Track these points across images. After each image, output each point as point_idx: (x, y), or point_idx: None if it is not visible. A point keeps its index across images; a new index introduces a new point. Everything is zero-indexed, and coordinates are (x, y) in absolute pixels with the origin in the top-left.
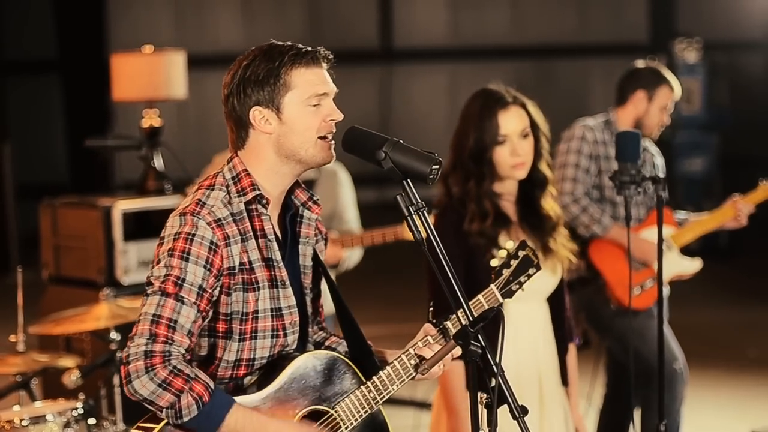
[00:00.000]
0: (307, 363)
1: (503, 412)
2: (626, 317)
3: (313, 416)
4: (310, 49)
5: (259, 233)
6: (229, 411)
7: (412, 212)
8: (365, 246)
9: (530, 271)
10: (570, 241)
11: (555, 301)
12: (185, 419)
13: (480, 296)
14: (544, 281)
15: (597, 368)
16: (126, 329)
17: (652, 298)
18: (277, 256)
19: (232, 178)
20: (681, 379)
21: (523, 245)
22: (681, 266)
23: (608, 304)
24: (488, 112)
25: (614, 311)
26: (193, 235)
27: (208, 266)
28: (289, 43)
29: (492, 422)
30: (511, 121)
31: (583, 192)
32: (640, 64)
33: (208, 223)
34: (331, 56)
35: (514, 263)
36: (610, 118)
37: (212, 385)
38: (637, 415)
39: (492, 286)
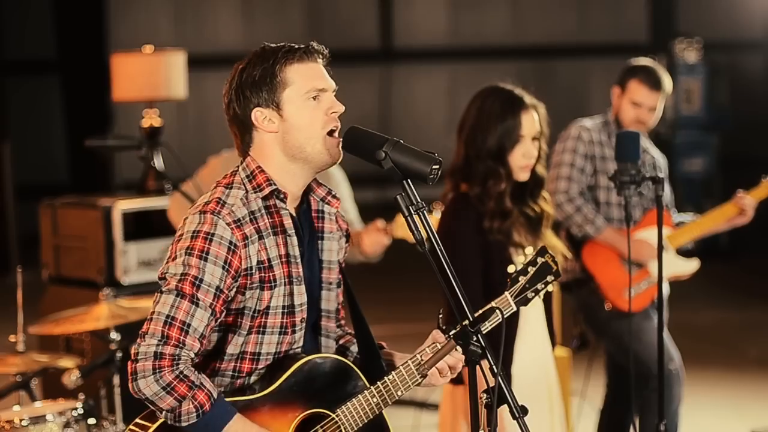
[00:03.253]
0: (310, 366)
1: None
2: (621, 319)
3: (314, 419)
4: (302, 45)
5: (279, 229)
6: (228, 423)
7: (413, 212)
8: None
9: (548, 279)
10: (559, 240)
11: (546, 297)
12: (183, 425)
13: (493, 304)
14: None
15: (591, 367)
16: (126, 329)
17: (648, 300)
18: (297, 251)
19: (247, 176)
20: (677, 379)
21: (542, 252)
22: (676, 267)
23: (603, 306)
24: (511, 112)
25: (609, 313)
26: (213, 234)
27: (227, 267)
28: (282, 43)
29: (492, 422)
30: (529, 123)
31: (577, 191)
32: (633, 60)
33: (228, 224)
34: (326, 51)
35: (531, 270)
36: (608, 118)
37: (215, 395)
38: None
39: (506, 293)
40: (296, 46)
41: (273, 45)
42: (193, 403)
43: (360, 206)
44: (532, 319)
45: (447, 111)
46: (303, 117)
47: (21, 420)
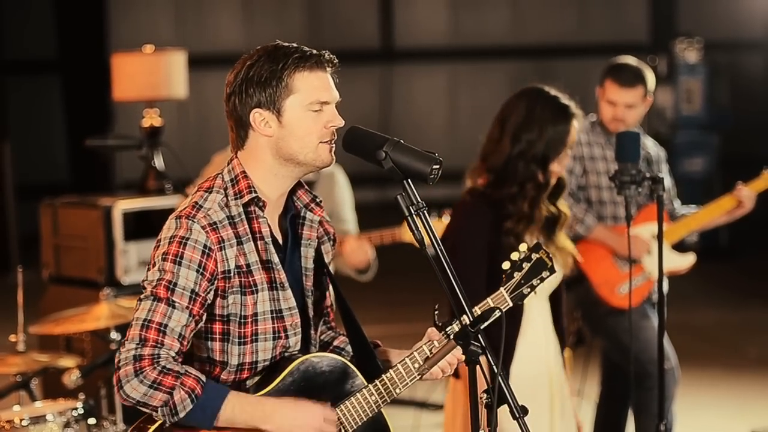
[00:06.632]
0: (307, 365)
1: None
2: (617, 317)
3: None
4: (315, 52)
5: (257, 235)
6: (224, 400)
7: (413, 212)
8: None
9: (543, 274)
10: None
11: (555, 298)
12: (181, 415)
13: (489, 299)
14: (554, 278)
15: (588, 364)
16: (126, 329)
17: (643, 295)
18: (275, 258)
19: (231, 180)
20: (672, 378)
21: (537, 247)
22: (672, 262)
23: (599, 304)
24: (564, 121)
25: (606, 310)
26: (187, 239)
27: (201, 270)
28: (294, 44)
29: (492, 422)
30: (573, 133)
31: (566, 192)
32: (614, 58)
33: (203, 227)
34: (336, 60)
35: (526, 266)
36: (596, 119)
37: (204, 378)
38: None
39: (501, 289)
40: (308, 53)
41: (285, 45)
42: (183, 389)
43: (360, 206)
44: (534, 317)
45: (447, 111)
46: (301, 127)
47: (21, 420)
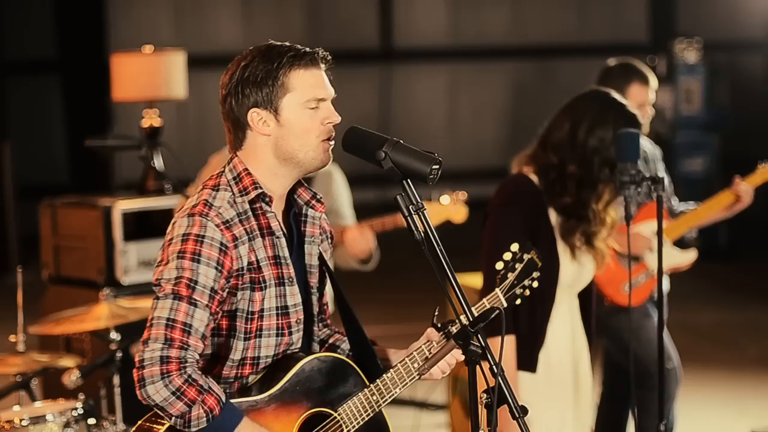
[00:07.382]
0: (312, 365)
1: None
2: (620, 316)
3: (316, 418)
4: (308, 50)
5: (266, 231)
6: (237, 426)
7: (412, 212)
8: None
9: (534, 275)
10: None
11: (585, 296)
12: (193, 429)
13: (485, 300)
14: (587, 275)
15: (594, 366)
16: (126, 329)
17: (647, 293)
18: (286, 252)
19: (234, 178)
20: (674, 378)
21: (528, 248)
22: (674, 259)
23: (602, 303)
24: (635, 128)
25: (609, 309)
26: (203, 236)
27: (219, 268)
28: (287, 43)
29: (492, 422)
30: None
31: None
32: (612, 62)
33: (217, 225)
34: (330, 57)
35: (518, 267)
36: None
37: (224, 399)
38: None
39: (497, 290)
40: (302, 51)
41: (279, 44)
42: (203, 407)
43: (360, 206)
44: (563, 311)
45: (447, 111)
46: (300, 125)
47: (21, 420)
